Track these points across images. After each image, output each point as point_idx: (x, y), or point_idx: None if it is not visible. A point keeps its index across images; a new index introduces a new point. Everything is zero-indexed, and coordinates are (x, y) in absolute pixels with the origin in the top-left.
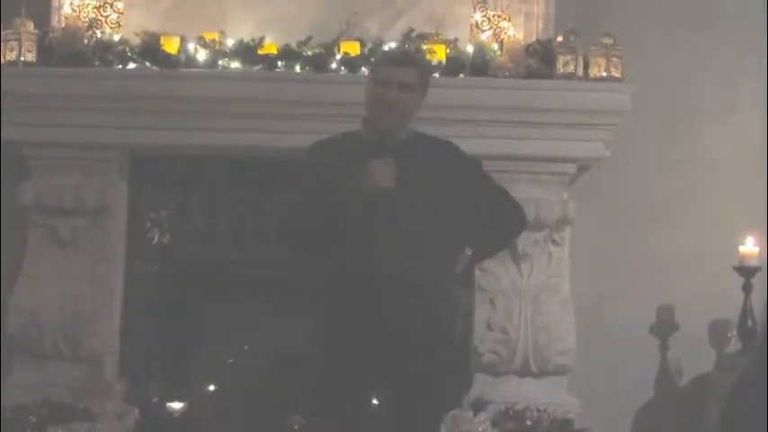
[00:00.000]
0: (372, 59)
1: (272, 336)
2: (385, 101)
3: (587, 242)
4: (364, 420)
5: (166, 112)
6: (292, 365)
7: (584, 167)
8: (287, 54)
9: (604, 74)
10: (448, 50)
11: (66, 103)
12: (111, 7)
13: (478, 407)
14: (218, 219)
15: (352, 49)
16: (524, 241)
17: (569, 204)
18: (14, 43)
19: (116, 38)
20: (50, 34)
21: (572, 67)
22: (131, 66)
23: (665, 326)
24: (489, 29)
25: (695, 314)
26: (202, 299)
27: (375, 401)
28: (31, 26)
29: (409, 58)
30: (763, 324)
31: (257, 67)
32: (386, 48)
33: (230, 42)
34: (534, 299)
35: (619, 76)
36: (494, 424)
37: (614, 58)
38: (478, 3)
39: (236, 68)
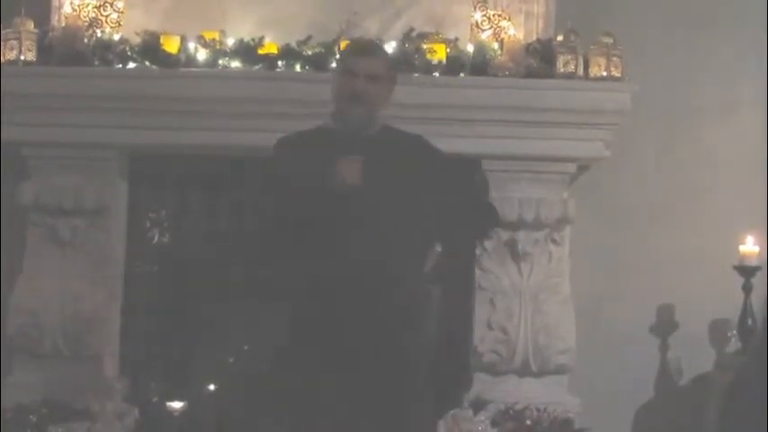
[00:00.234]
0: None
1: (272, 335)
2: (352, 92)
3: (587, 242)
4: (336, 421)
5: (166, 112)
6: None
7: (584, 167)
8: (287, 54)
9: (604, 73)
10: (448, 50)
11: (66, 102)
12: (112, 7)
13: (478, 406)
14: (218, 219)
15: None
16: (524, 241)
17: (569, 204)
18: (14, 42)
19: (116, 37)
20: (50, 33)
21: (572, 67)
22: (131, 65)
23: (665, 325)
24: (489, 28)
25: (695, 314)
26: (202, 299)
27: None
28: (31, 25)
29: (376, 49)
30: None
31: (257, 67)
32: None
33: (230, 42)
34: (534, 298)
35: (619, 75)
36: (494, 423)
37: (614, 58)
38: (478, 2)
39: (236, 68)
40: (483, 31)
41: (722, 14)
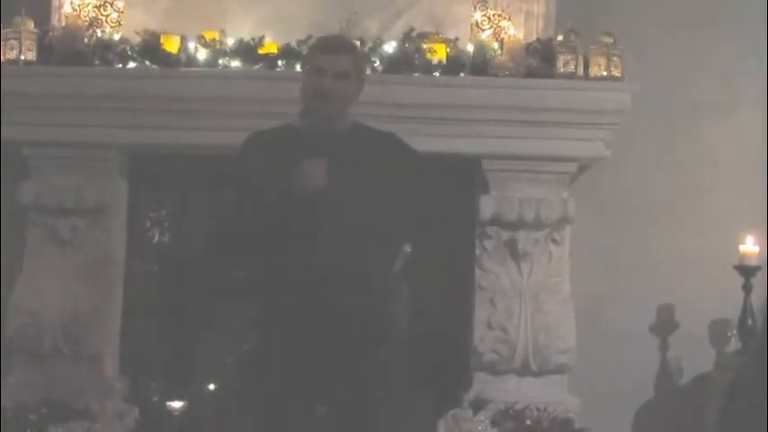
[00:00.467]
0: (372, 59)
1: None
2: (320, 90)
3: (587, 241)
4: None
5: (167, 112)
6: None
7: (584, 167)
8: (287, 53)
9: (605, 73)
10: (448, 50)
11: (66, 102)
12: (112, 6)
13: (478, 406)
14: (218, 218)
15: None
16: (524, 240)
17: (569, 204)
18: (15, 42)
19: (116, 37)
20: (51, 33)
21: (572, 67)
22: (132, 65)
23: (665, 325)
24: (489, 28)
25: (695, 313)
26: (202, 298)
27: (320, 408)
28: (31, 25)
29: (344, 45)
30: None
31: (257, 67)
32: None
33: (230, 41)
34: (534, 298)
35: (619, 75)
36: (494, 423)
37: (615, 58)
38: (479, 2)
39: (236, 68)
40: (483, 30)
41: (722, 14)
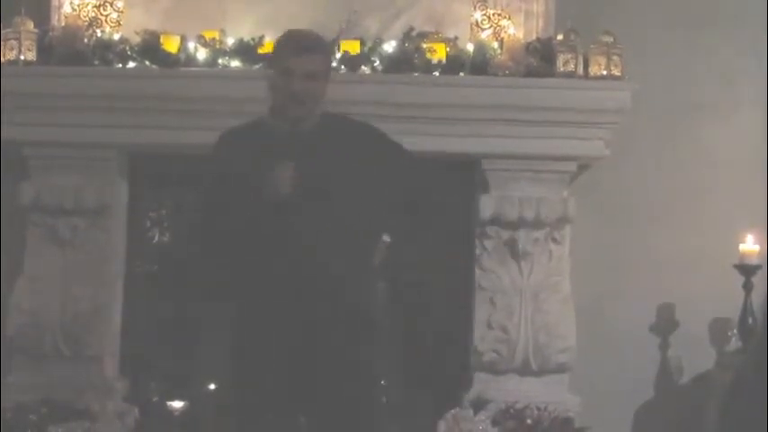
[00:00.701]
0: (372, 59)
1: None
2: (291, 93)
3: (587, 241)
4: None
5: (166, 111)
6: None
7: (584, 166)
8: None
9: (604, 72)
10: (448, 49)
11: (66, 102)
12: (112, 6)
13: (479, 405)
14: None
15: (352, 47)
16: (525, 240)
17: (569, 203)
18: (14, 42)
19: (116, 37)
20: (50, 33)
21: (572, 66)
22: (131, 65)
23: (665, 324)
24: (489, 27)
25: (696, 313)
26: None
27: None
28: (31, 25)
29: (315, 45)
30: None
31: (257, 66)
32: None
33: (230, 41)
34: (534, 297)
35: (619, 74)
36: (494, 423)
37: (614, 57)
38: (478, 1)
39: (236, 67)
40: (483, 30)
41: (722, 14)
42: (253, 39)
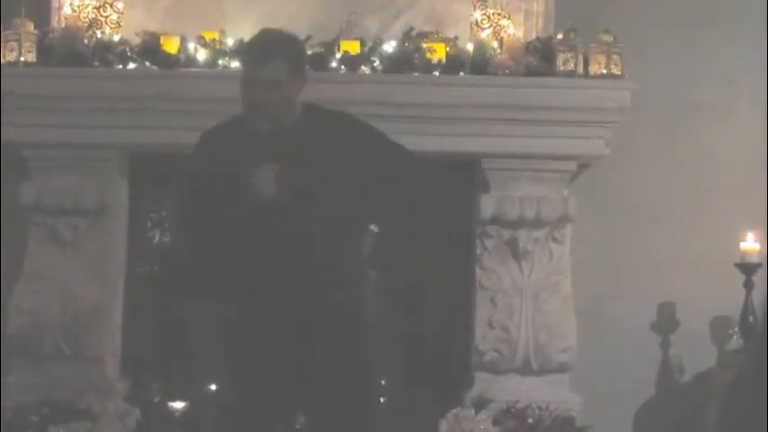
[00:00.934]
0: (372, 59)
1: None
2: (252, 104)
3: (588, 240)
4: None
5: (167, 112)
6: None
7: (584, 165)
8: None
9: (604, 71)
10: (448, 49)
11: (66, 103)
12: (111, 7)
13: (480, 405)
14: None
15: (352, 48)
16: (525, 239)
17: (570, 202)
18: (14, 44)
19: (116, 38)
20: (50, 34)
21: (572, 65)
22: (131, 66)
23: (666, 323)
24: (489, 27)
25: (696, 311)
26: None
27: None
28: (31, 26)
29: (273, 50)
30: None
31: None
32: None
33: (230, 42)
34: (535, 297)
35: (619, 73)
36: (495, 422)
37: (614, 56)
38: (478, 1)
39: (236, 68)
40: (483, 29)
41: (722, 14)
42: None
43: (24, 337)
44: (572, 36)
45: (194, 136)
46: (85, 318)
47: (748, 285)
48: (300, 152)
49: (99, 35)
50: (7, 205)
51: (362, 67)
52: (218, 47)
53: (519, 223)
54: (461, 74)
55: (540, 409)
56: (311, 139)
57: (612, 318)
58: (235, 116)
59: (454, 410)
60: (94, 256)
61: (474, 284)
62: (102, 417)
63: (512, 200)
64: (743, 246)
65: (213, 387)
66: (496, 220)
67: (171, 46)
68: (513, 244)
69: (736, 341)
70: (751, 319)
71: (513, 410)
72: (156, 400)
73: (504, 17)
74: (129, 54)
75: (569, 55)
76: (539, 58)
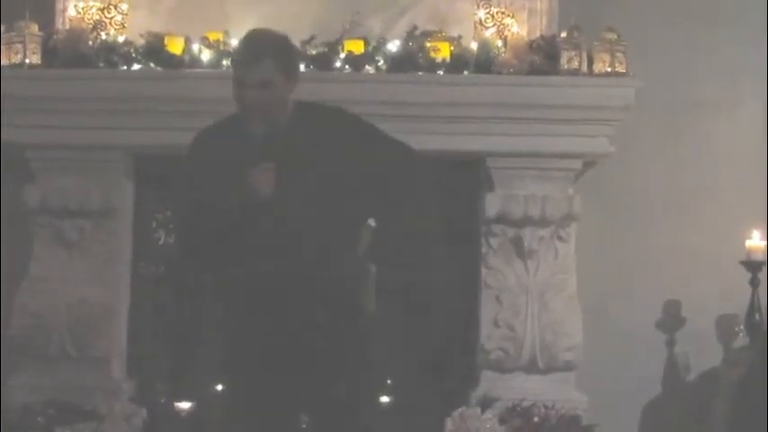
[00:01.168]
0: (376, 58)
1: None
2: (245, 105)
3: (593, 238)
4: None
5: (171, 113)
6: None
7: (589, 163)
8: None
9: (608, 69)
10: (452, 48)
11: (70, 104)
12: (116, 9)
13: (486, 404)
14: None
15: (356, 47)
16: (530, 238)
17: (575, 200)
18: (19, 45)
19: (120, 39)
20: (55, 36)
21: (576, 63)
22: (136, 67)
23: (671, 321)
24: (493, 26)
25: (702, 309)
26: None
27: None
28: (35, 28)
29: (263, 51)
30: None
31: None
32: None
33: (234, 42)
34: (541, 295)
35: (623, 71)
36: (501, 421)
37: (618, 54)
38: (482, 0)
39: None
40: (486, 28)
41: (724, 11)
42: None
43: (31, 338)
44: (576, 34)
45: None
46: (91, 319)
47: (754, 283)
48: (295, 151)
49: (103, 36)
50: (14, 207)
51: (366, 66)
52: (221, 47)
53: (524, 222)
54: (465, 73)
55: (545, 407)
56: (306, 137)
57: (618, 316)
58: (229, 116)
59: (460, 409)
60: (100, 257)
61: (479, 283)
62: (108, 417)
63: (517, 198)
64: (748, 243)
65: (219, 388)
66: (501, 219)
67: (175, 47)
68: (518, 243)
69: (742, 339)
70: (757, 316)
71: (518, 409)
72: (162, 400)
73: (508, 16)
74: (133, 55)
75: (573, 53)
76: (543, 57)
